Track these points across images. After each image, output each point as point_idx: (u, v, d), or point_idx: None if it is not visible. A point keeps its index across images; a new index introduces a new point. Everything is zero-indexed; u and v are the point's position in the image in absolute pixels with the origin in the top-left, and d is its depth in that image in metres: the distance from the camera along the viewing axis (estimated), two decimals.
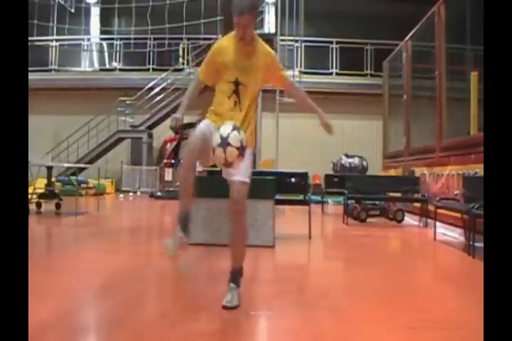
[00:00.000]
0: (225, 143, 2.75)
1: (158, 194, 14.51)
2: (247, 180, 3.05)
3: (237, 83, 3.09)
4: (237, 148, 2.77)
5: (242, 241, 3.15)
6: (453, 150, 7.36)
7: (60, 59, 18.50)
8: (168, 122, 16.59)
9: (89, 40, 19.23)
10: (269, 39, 13.21)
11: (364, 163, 13.32)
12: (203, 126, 3.09)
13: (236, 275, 3.10)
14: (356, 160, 13.33)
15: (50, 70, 18.36)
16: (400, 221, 8.47)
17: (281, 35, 13.55)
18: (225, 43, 3.17)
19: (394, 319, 2.84)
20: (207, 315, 2.80)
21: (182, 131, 15.67)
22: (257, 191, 5.24)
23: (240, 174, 2.99)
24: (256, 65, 3.11)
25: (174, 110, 16.82)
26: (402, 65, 10.63)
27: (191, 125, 14.90)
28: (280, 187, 5.72)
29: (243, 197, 3.02)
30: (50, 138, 17.87)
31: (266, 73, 3.16)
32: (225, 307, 2.88)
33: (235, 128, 2.83)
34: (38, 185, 8.55)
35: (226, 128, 2.81)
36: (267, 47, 3.21)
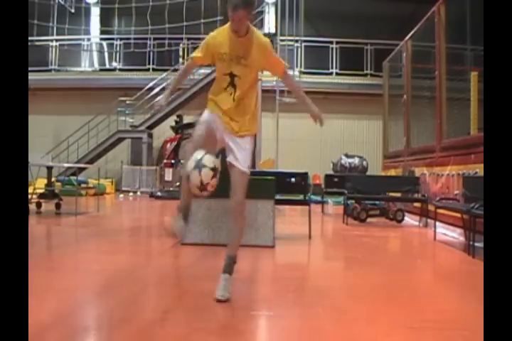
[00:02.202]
0: (199, 165, 2.86)
1: (158, 194, 14.51)
2: (246, 170, 3.13)
3: (232, 75, 3.14)
4: (212, 169, 2.86)
5: (241, 229, 3.24)
6: (453, 150, 7.36)
7: (60, 59, 18.49)
8: (168, 122, 16.63)
9: (89, 40, 19.22)
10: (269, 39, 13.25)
11: (364, 163, 13.33)
12: (206, 115, 3.22)
13: (231, 264, 3.18)
14: (356, 160, 13.34)
15: (50, 70, 18.36)
16: (400, 221, 8.47)
17: (281, 35, 13.57)
18: (219, 36, 3.18)
19: (394, 319, 2.84)
20: (207, 315, 2.80)
21: (182, 130, 15.69)
22: (257, 191, 5.26)
23: (239, 161, 3.12)
24: (251, 56, 3.11)
25: (174, 110, 16.83)
26: (402, 65, 10.63)
27: (191, 125, 14.95)
28: (280, 187, 5.72)
29: (243, 188, 3.11)
30: (50, 138, 17.87)
31: (262, 63, 3.19)
32: (219, 301, 2.98)
33: (207, 153, 2.95)
34: (38, 185, 8.55)
35: (199, 153, 2.93)
36: (262, 37, 3.21)
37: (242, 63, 3.11)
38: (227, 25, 3.15)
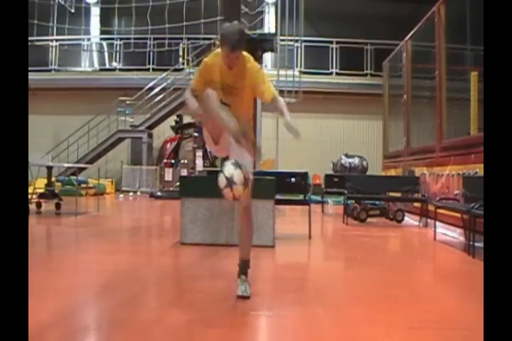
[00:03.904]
0: (230, 184, 2.90)
1: (158, 194, 14.50)
2: (251, 176, 3.14)
3: (222, 104, 3.11)
4: (242, 184, 2.92)
5: (248, 235, 3.43)
6: (453, 150, 7.36)
7: (60, 59, 18.48)
8: (168, 122, 16.63)
9: (89, 40, 19.20)
10: (269, 39, 13.22)
11: (364, 163, 13.32)
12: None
13: (245, 267, 3.35)
14: (356, 160, 13.33)
15: (50, 70, 18.35)
16: (400, 221, 8.47)
17: (281, 35, 13.55)
18: (213, 62, 3.13)
19: (394, 319, 2.84)
20: (207, 315, 2.80)
21: (182, 130, 15.70)
22: (257, 191, 5.24)
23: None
24: (242, 84, 3.11)
25: (174, 110, 16.76)
26: (402, 64, 10.63)
27: (191, 125, 14.95)
28: (280, 187, 5.71)
29: (247, 193, 3.12)
30: (50, 138, 17.87)
31: (253, 88, 3.13)
32: (241, 297, 3.13)
33: (236, 165, 2.95)
34: (38, 185, 8.55)
35: (229, 169, 2.92)
36: (252, 63, 3.18)
37: (233, 93, 3.12)
38: (219, 52, 3.09)
